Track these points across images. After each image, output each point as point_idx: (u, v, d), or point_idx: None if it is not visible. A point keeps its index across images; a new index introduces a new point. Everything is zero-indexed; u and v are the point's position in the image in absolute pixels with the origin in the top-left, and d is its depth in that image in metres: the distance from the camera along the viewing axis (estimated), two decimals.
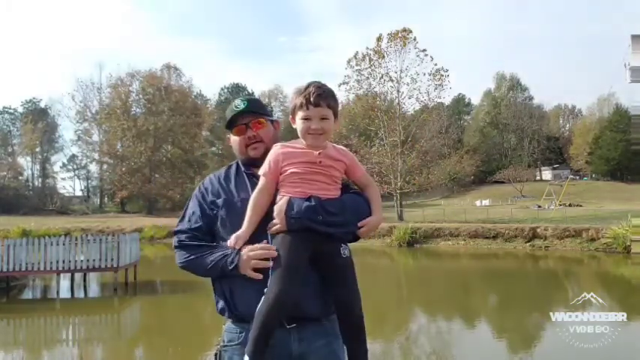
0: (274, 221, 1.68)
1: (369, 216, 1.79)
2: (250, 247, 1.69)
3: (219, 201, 1.85)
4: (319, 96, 1.68)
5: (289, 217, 1.64)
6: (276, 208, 1.69)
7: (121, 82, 53.14)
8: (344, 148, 1.84)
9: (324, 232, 1.65)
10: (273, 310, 1.57)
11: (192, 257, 1.82)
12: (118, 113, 51.37)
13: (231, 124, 1.93)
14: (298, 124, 1.72)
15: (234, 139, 1.95)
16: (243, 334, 1.73)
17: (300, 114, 1.70)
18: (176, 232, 1.91)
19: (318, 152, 1.70)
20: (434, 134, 37.94)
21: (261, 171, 1.75)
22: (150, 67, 55.46)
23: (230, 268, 1.70)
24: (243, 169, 1.93)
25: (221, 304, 1.83)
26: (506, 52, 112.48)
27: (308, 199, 1.66)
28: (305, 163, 1.70)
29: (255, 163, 1.87)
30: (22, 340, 10.05)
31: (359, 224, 1.74)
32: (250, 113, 1.91)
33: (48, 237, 14.28)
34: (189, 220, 1.89)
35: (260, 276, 1.65)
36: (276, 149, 1.74)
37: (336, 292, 1.69)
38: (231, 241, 1.72)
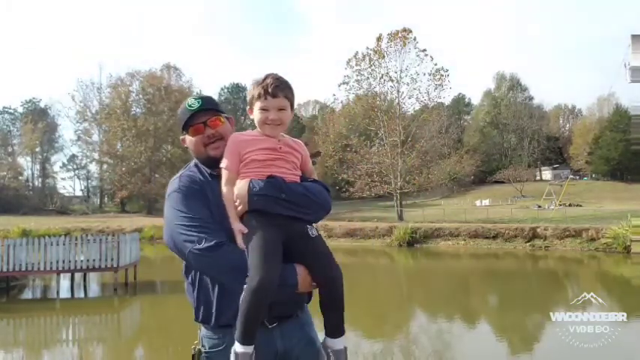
0: (236, 203, 1.67)
1: (329, 202, 1.81)
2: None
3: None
4: (277, 87, 1.71)
5: (251, 195, 1.64)
6: (236, 189, 1.69)
7: (121, 82, 53.16)
8: (298, 140, 1.87)
9: (286, 215, 1.66)
10: (258, 297, 1.55)
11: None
12: (118, 113, 51.37)
13: (186, 125, 1.85)
14: (256, 115, 1.73)
15: (190, 140, 1.86)
16: (227, 337, 1.72)
17: (258, 104, 1.72)
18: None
19: (277, 140, 1.75)
20: (434, 134, 37.95)
21: (222, 164, 1.72)
22: (150, 67, 55.55)
23: (292, 283, 1.67)
24: (208, 171, 1.84)
25: (202, 312, 1.79)
26: (506, 52, 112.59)
27: (269, 177, 1.68)
28: (265, 149, 1.73)
29: (216, 162, 1.79)
30: (22, 339, 10.05)
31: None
32: (206, 111, 1.84)
33: (48, 237, 14.27)
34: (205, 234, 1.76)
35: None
36: (234, 139, 1.75)
37: (319, 271, 1.68)
38: (238, 240, 1.68)
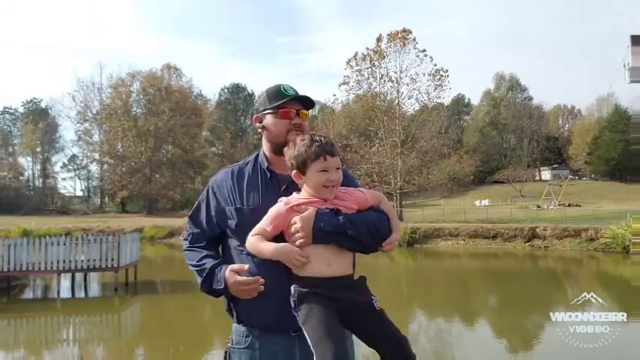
0: (298, 234, 1.61)
1: (390, 231, 1.74)
2: (236, 270, 1.70)
3: (229, 210, 1.80)
4: (333, 145, 1.66)
5: (317, 229, 1.60)
6: (300, 219, 1.62)
7: (121, 83, 53.19)
8: (347, 188, 1.75)
9: (349, 245, 1.64)
10: None
11: (191, 265, 1.86)
12: (118, 113, 51.39)
13: (273, 107, 1.83)
14: (313, 177, 1.64)
15: (274, 121, 1.82)
16: (249, 339, 1.75)
17: (316, 166, 1.62)
18: (184, 241, 1.94)
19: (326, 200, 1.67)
20: (433, 134, 37.95)
21: (263, 224, 1.66)
22: (150, 68, 55.57)
23: (219, 288, 1.73)
24: (265, 163, 1.84)
25: (226, 304, 1.84)
26: (506, 52, 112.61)
27: (333, 211, 1.64)
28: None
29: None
30: (23, 339, 10.06)
31: (384, 244, 1.71)
32: (299, 102, 1.84)
33: (48, 237, 14.28)
34: (193, 227, 1.91)
35: (255, 293, 1.68)
36: (286, 207, 1.65)
37: (384, 342, 1.60)
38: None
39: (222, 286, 1.72)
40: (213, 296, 1.82)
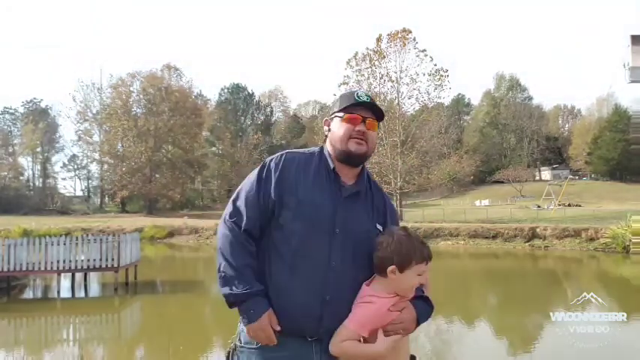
0: (402, 331, 1.67)
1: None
2: (268, 323, 1.64)
3: (289, 200, 1.70)
4: (429, 249, 1.71)
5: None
6: (408, 318, 1.68)
7: (121, 82, 53.14)
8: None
9: None
10: None
11: (228, 262, 1.70)
12: (118, 113, 51.34)
13: (343, 111, 1.77)
14: (411, 278, 1.66)
15: (339, 125, 1.77)
16: None
17: (418, 268, 1.66)
18: (229, 218, 1.74)
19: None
20: (434, 134, 37.92)
21: (349, 334, 1.64)
22: (150, 68, 55.54)
23: (248, 317, 1.66)
24: (330, 164, 1.77)
25: None
26: (506, 52, 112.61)
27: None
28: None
29: (347, 158, 1.75)
30: (23, 339, 10.06)
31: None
32: (370, 110, 1.78)
33: (49, 237, 14.27)
34: (240, 214, 1.72)
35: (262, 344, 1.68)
36: (381, 310, 1.65)
37: None
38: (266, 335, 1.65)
39: (252, 320, 1.64)
40: (227, 303, 1.71)
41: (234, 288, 1.65)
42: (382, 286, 1.66)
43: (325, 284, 1.65)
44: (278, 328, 1.65)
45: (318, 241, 1.67)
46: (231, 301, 1.67)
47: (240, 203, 1.74)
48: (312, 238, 1.67)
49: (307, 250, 1.67)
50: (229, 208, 1.76)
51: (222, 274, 1.68)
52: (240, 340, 1.75)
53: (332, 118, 1.81)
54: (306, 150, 1.87)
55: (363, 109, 1.76)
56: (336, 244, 1.68)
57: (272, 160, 1.79)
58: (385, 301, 1.64)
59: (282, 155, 1.80)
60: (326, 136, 1.85)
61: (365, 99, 1.76)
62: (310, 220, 1.68)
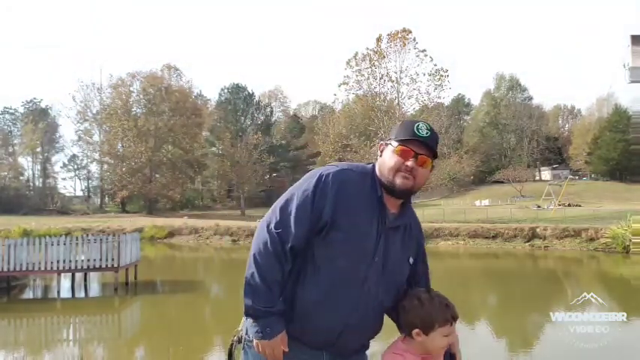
0: None
1: None
2: (280, 344, 1.64)
3: (343, 221, 1.64)
4: (454, 308, 1.72)
5: None
6: None
7: (121, 82, 53.15)
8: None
9: None
10: None
11: (260, 274, 1.64)
12: (118, 113, 51.35)
13: (400, 141, 1.69)
14: (437, 340, 1.68)
15: (391, 155, 1.69)
16: None
17: (443, 330, 1.68)
18: (274, 228, 1.65)
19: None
20: None
21: None
22: (150, 68, 55.56)
23: (262, 331, 1.64)
24: (378, 190, 1.70)
25: None
26: (506, 52, 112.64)
27: None
28: None
29: (392, 191, 1.68)
30: (23, 339, 10.06)
31: None
32: (426, 146, 1.68)
33: (49, 237, 14.29)
34: (286, 227, 1.64)
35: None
36: None
37: None
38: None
39: (266, 338, 1.63)
40: (245, 312, 1.68)
41: (257, 302, 1.62)
42: (412, 345, 1.70)
43: (355, 309, 1.67)
44: (287, 350, 1.65)
45: (358, 267, 1.66)
46: (250, 313, 1.65)
47: (290, 215, 1.65)
48: (355, 263, 1.65)
49: (348, 273, 1.65)
50: (276, 215, 1.66)
51: (250, 284, 1.64)
52: (248, 334, 1.72)
53: (387, 144, 1.74)
54: (359, 166, 1.78)
55: (419, 143, 1.67)
56: (372, 271, 1.67)
57: (329, 174, 1.69)
58: (413, 358, 1.69)
59: (339, 171, 1.71)
60: (376, 158, 1.81)
61: (425, 134, 1.67)
62: (358, 245, 1.65)
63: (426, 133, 1.67)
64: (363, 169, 1.76)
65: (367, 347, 1.85)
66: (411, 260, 1.80)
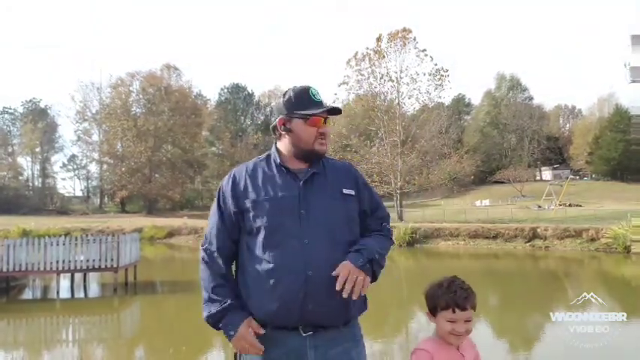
0: None
1: None
2: (248, 330, 1.70)
3: (245, 204, 1.80)
4: (466, 299, 1.71)
5: None
6: None
7: (121, 82, 53.16)
8: (473, 343, 1.84)
9: None
10: None
11: (205, 286, 1.85)
12: (118, 113, 51.38)
13: (303, 113, 1.82)
14: (441, 324, 1.71)
15: (303, 128, 1.82)
16: (259, 339, 1.74)
17: (445, 315, 1.70)
18: (201, 247, 1.92)
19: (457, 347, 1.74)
20: (434, 134, 37.92)
21: None
22: (150, 68, 55.55)
23: (228, 332, 1.74)
24: (278, 161, 1.84)
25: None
26: (506, 52, 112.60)
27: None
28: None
29: (312, 156, 1.83)
30: (22, 340, 10.04)
31: None
32: (323, 106, 1.84)
33: (48, 237, 14.26)
34: (210, 242, 1.87)
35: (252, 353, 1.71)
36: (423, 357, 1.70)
37: None
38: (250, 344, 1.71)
39: (232, 333, 1.72)
40: (208, 322, 1.82)
41: (210, 310, 1.77)
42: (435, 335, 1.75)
43: (305, 262, 1.68)
44: (262, 331, 1.70)
45: (287, 227, 1.72)
46: (212, 322, 1.77)
47: (209, 229, 1.88)
48: (279, 227, 1.71)
49: (277, 238, 1.72)
50: (205, 235, 1.90)
51: (204, 301, 1.81)
52: None
53: (291, 118, 1.83)
54: (257, 158, 1.95)
55: (319, 106, 1.82)
56: (306, 224, 1.73)
57: (223, 181, 1.90)
58: (431, 344, 1.72)
59: (231, 173, 1.91)
60: (280, 133, 1.87)
61: (320, 98, 1.84)
62: (271, 212, 1.74)
63: (321, 97, 1.84)
64: (257, 158, 1.94)
65: (351, 323, 1.81)
66: (345, 191, 1.83)
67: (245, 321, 1.71)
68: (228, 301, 1.75)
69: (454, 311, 1.68)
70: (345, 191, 1.83)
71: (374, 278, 1.79)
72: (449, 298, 1.69)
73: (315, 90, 1.84)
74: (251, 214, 1.77)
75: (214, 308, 1.76)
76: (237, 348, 1.71)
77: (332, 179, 1.84)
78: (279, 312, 1.69)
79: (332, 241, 1.72)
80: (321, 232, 1.72)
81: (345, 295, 1.63)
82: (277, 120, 1.86)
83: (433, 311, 1.72)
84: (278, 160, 1.84)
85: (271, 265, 1.70)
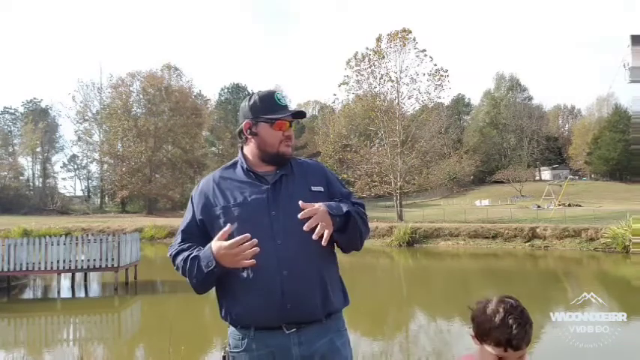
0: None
1: None
2: (219, 244, 1.67)
3: (215, 210, 1.82)
4: (523, 339, 1.44)
5: None
6: None
7: (121, 82, 53.14)
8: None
9: None
10: None
11: (181, 267, 1.83)
12: (118, 113, 51.34)
13: (269, 117, 1.85)
14: (488, 356, 1.49)
15: (269, 132, 1.85)
16: (245, 340, 1.75)
17: (494, 350, 1.45)
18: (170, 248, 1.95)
19: None
20: (434, 134, 37.92)
21: None
22: (150, 67, 55.56)
23: (211, 268, 1.69)
24: (245, 166, 1.87)
25: (224, 310, 1.83)
26: (506, 52, 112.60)
27: None
28: None
29: (279, 160, 1.86)
30: (23, 339, 10.07)
31: None
32: (288, 110, 1.88)
33: (49, 237, 14.28)
34: (182, 241, 1.89)
35: (253, 262, 1.66)
36: None
37: None
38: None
39: (213, 264, 1.68)
40: (210, 288, 1.80)
41: (193, 273, 1.75)
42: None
43: (279, 262, 1.71)
44: (230, 229, 1.69)
45: (259, 229, 1.71)
46: (199, 284, 1.76)
47: (176, 236, 1.93)
48: (251, 230, 1.70)
49: (254, 235, 1.69)
50: (175, 237, 1.93)
51: (188, 281, 1.79)
52: (229, 344, 1.82)
53: (257, 122, 1.86)
54: (224, 165, 1.97)
55: (284, 111, 1.86)
56: (277, 225, 1.75)
57: (193, 191, 1.94)
58: None
59: (199, 183, 1.95)
60: (247, 138, 1.89)
61: (285, 102, 1.88)
62: (242, 216, 1.76)
63: (285, 100, 1.88)
64: (223, 166, 1.96)
65: (333, 316, 1.81)
66: (314, 188, 1.86)
67: (210, 244, 1.71)
68: (196, 250, 1.78)
69: (506, 350, 1.42)
70: (314, 188, 1.85)
71: (344, 230, 1.78)
72: (502, 337, 1.42)
73: (280, 94, 1.88)
74: (222, 220, 1.78)
75: (191, 270, 1.75)
76: (226, 263, 1.67)
77: (300, 178, 1.87)
78: (259, 313, 1.71)
79: (304, 239, 1.71)
80: (293, 231, 1.73)
81: (315, 236, 1.65)
82: (243, 124, 1.89)
83: (481, 341, 1.49)
84: (245, 165, 1.87)
85: (249, 270, 1.72)
